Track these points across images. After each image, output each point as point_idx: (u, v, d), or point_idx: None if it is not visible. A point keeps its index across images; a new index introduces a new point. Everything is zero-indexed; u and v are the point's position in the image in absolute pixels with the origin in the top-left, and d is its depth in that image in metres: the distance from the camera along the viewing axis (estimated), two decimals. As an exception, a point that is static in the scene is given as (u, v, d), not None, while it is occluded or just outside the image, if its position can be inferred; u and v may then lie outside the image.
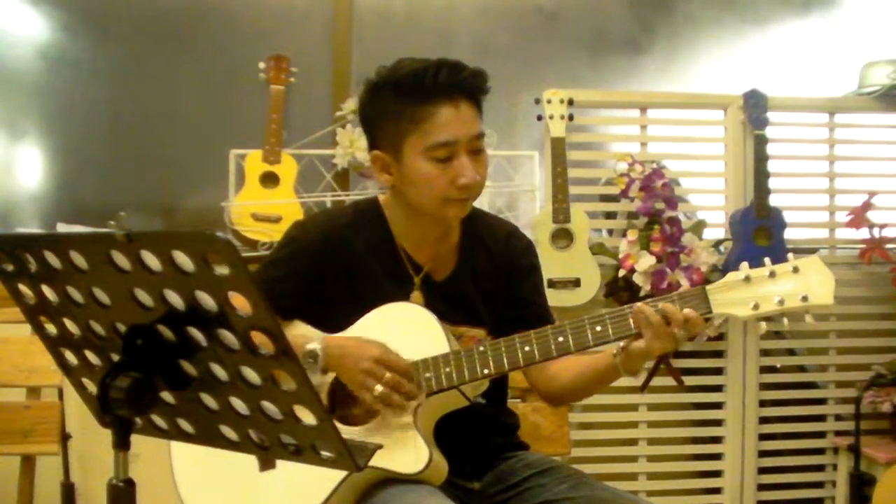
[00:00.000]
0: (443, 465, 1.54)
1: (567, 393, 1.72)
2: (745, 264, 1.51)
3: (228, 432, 1.06)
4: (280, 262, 1.68)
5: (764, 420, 3.07)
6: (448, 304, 1.66)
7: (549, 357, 1.54)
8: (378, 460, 1.50)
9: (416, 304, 1.65)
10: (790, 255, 1.50)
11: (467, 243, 1.73)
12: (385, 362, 1.51)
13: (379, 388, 1.49)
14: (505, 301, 1.73)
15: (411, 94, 1.55)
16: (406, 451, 1.50)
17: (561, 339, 1.53)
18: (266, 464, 1.54)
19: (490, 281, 1.72)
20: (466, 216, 1.72)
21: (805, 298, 1.46)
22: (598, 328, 1.51)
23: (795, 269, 1.48)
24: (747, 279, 1.49)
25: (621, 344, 1.52)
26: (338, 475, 1.50)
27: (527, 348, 1.54)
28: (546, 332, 1.54)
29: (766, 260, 1.50)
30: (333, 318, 1.63)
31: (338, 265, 1.65)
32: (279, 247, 1.72)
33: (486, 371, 1.54)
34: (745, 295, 1.48)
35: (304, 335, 1.60)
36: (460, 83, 1.55)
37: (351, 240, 1.66)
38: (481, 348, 1.55)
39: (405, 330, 1.58)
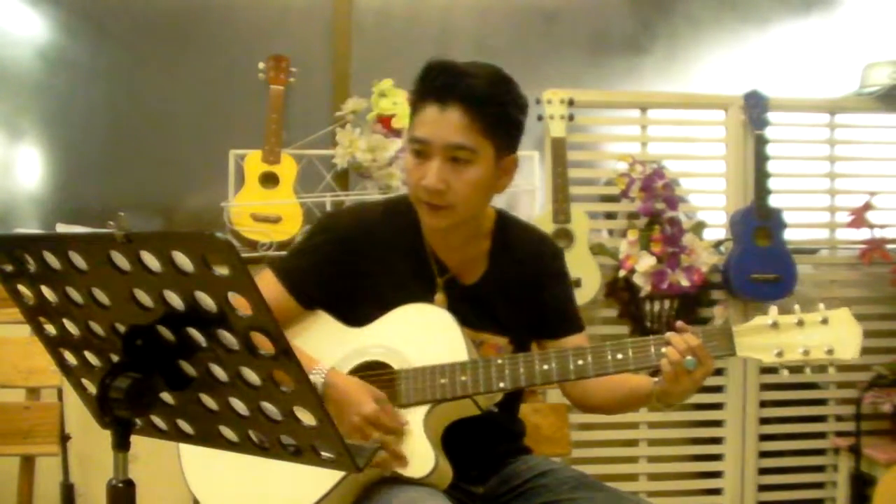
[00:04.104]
0: (448, 471, 1.53)
1: (599, 407, 1.72)
2: (774, 308, 1.49)
3: (228, 433, 1.05)
4: (308, 252, 1.67)
5: (764, 421, 3.07)
6: (473, 309, 1.64)
7: (567, 379, 1.53)
8: None
9: (440, 306, 1.63)
10: (821, 305, 1.48)
11: (498, 250, 1.70)
12: (375, 422, 1.49)
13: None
14: (532, 309, 1.70)
15: (416, 91, 1.58)
16: (413, 454, 1.50)
17: (580, 362, 1.51)
18: None
19: (518, 289, 1.69)
20: (499, 223, 1.70)
21: (830, 352, 1.44)
22: (620, 356, 1.50)
23: (825, 321, 1.46)
24: (775, 325, 1.47)
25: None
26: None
27: (545, 367, 1.52)
28: (566, 354, 1.53)
29: (797, 307, 1.49)
30: (355, 312, 1.63)
31: (365, 259, 1.64)
32: (309, 235, 1.71)
33: (501, 384, 1.53)
34: (770, 341, 1.47)
35: (311, 358, 1.58)
36: (451, 87, 1.53)
37: (380, 235, 1.65)
38: (499, 361, 1.53)
39: (425, 332, 1.57)
